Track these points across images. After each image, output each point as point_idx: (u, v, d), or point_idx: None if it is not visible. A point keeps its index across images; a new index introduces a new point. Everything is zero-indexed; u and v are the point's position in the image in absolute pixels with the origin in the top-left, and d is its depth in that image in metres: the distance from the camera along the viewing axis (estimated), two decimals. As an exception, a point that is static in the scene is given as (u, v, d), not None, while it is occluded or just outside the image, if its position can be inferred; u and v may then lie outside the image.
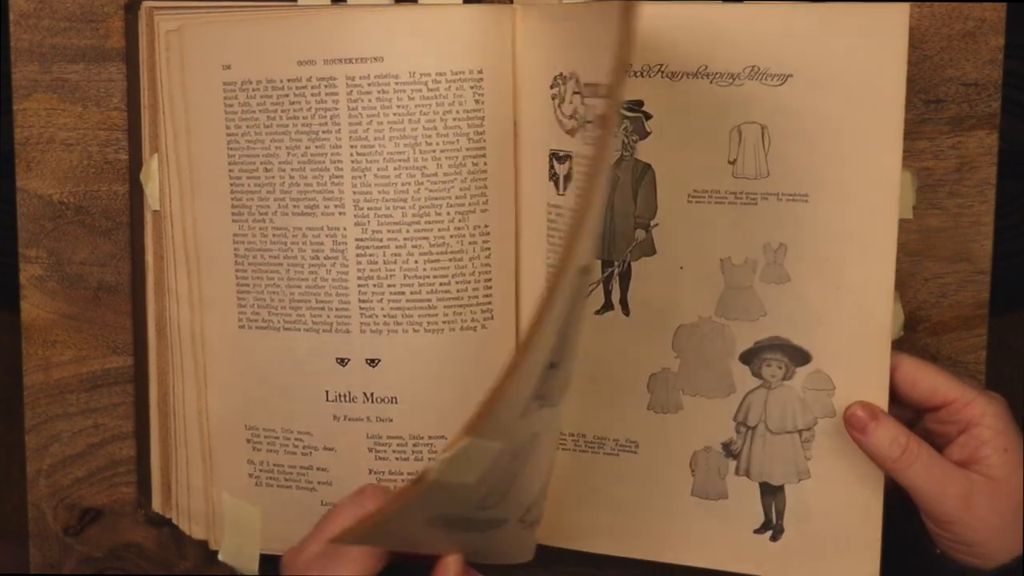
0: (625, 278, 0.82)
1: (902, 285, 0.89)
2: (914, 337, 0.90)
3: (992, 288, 0.90)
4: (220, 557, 0.86)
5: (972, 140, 0.88)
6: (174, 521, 0.86)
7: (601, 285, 0.82)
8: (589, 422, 0.83)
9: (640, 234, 0.82)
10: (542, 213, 0.82)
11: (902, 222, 0.88)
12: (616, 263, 0.82)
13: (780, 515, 0.81)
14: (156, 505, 0.87)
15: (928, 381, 0.79)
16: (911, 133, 0.88)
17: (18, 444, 0.89)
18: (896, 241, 0.79)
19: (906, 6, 0.77)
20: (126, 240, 0.87)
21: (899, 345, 0.89)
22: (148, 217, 0.85)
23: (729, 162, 0.79)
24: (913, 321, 0.90)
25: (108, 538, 0.90)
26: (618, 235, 0.81)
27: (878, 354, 0.79)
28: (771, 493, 0.82)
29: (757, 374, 0.81)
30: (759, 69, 0.78)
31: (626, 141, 0.81)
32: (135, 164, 0.86)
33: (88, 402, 0.88)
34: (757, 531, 0.82)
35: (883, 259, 0.79)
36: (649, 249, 0.81)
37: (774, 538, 0.82)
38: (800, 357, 0.80)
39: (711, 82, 0.79)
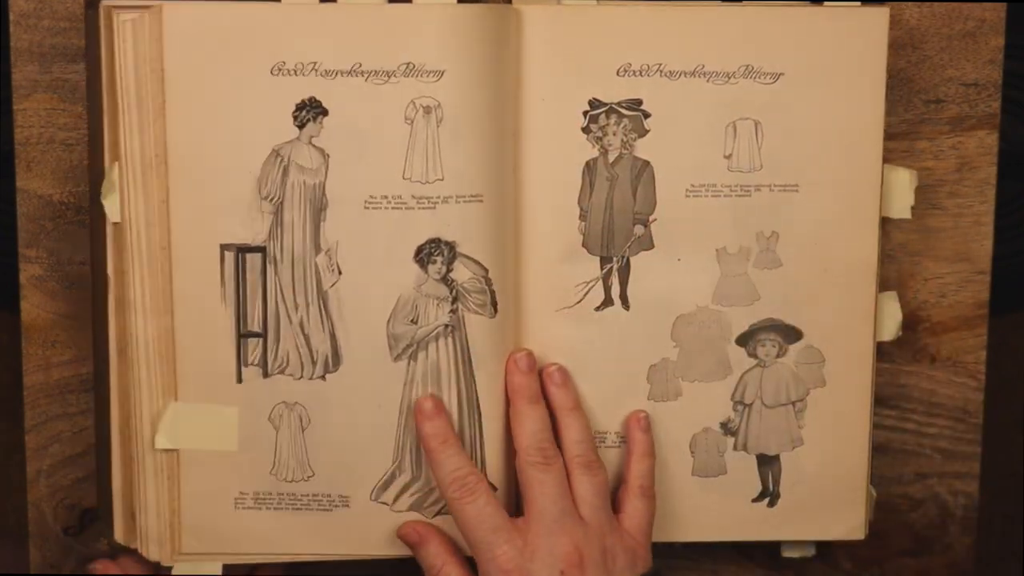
0: (624, 273, 0.84)
1: (902, 285, 0.89)
2: (914, 337, 0.90)
3: (992, 288, 0.90)
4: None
5: (972, 140, 0.88)
6: (139, 550, 0.83)
7: (601, 281, 0.84)
8: (589, 418, 0.84)
9: (639, 230, 0.83)
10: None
11: (902, 222, 0.88)
12: (615, 259, 0.84)
13: (776, 482, 0.86)
14: (119, 535, 0.84)
15: None
16: (911, 133, 0.88)
17: (18, 444, 0.89)
18: (878, 224, 0.84)
19: (886, 10, 0.82)
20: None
21: (899, 345, 0.90)
22: (108, 230, 0.81)
23: (725, 157, 0.83)
24: (913, 321, 0.90)
25: (108, 538, 0.90)
26: (617, 232, 0.83)
27: (863, 325, 0.85)
28: (768, 463, 0.86)
29: (752, 354, 0.85)
30: (752, 68, 0.83)
31: (625, 139, 0.83)
32: (96, 175, 0.82)
33: (88, 402, 0.88)
34: (755, 500, 0.87)
35: (867, 240, 0.84)
36: (647, 243, 0.84)
37: (771, 504, 0.87)
38: (792, 335, 0.85)
39: (707, 80, 0.82)
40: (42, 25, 0.85)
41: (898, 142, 0.88)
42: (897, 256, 0.89)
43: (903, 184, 0.86)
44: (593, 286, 0.84)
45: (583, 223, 0.83)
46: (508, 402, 0.83)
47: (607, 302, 0.84)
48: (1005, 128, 0.90)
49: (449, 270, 0.81)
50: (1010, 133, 0.98)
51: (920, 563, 0.93)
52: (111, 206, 0.80)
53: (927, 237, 0.89)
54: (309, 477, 0.83)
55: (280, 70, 0.79)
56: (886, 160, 0.85)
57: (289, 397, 0.82)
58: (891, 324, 0.87)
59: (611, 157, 0.83)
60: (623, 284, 0.84)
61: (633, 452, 0.84)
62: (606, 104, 0.82)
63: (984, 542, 0.96)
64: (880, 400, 0.90)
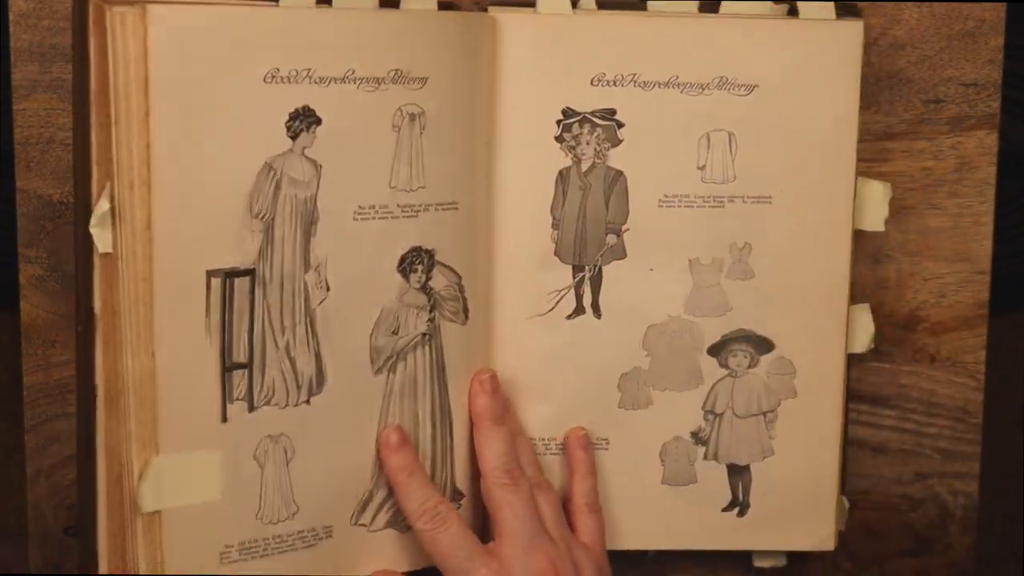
0: (596, 282, 0.84)
1: (902, 285, 0.89)
2: (914, 337, 0.90)
3: (992, 288, 0.90)
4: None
5: (972, 140, 0.88)
6: None
7: (572, 290, 0.84)
8: (560, 426, 0.85)
9: (612, 239, 0.84)
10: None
11: (901, 222, 0.88)
12: (587, 268, 0.84)
13: (747, 492, 0.87)
14: None
15: None
16: (911, 133, 0.88)
17: (18, 444, 0.89)
18: (851, 235, 0.84)
19: (860, 24, 0.82)
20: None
21: (899, 345, 0.90)
22: (96, 262, 0.74)
23: (698, 167, 0.84)
24: (913, 321, 0.90)
25: (108, 538, 0.90)
26: (589, 241, 0.84)
27: (835, 337, 0.85)
28: (738, 473, 0.87)
29: (724, 365, 0.86)
30: (727, 79, 0.83)
31: (598, 149, 0.83)
32: (83, 200, 0.74)
33: (88, 402, 0.88)
34: (725, 509, 0.87)
35: (839, 252, 0.85)
36: (620, 253, 0.84)
37: (741, 513, 0.87)
38: (764, 346, 0.86)
39: (681, 91, 0.83)
40: (42, 25, 0.85)
41: (898, 142, 0.88)
42: (897, 256, 0.89)
43: (877, 196, 0.86)
44: (565, 294, 0.84)
45: (556, 232, 0.83)
46: (472, 421, 0.83)
47: (579, 310, 0.84)
48: (1005, 128, 0.90)
49: (428, 278, 0.80)
50: (1010, 133, 0.98)
51: (920, 563, 0.93)
52: (102, 234, 0.73)
53: (927, 237, 0.89)
54: (294, 514, 0.79)
55: (274, 77, 0.74)
56: (886, 160, 0.85)
57: (274, 429, 0.77)
58: (863, 336, 0.87)
59: (584, 166, 0.83)
60: (595, 293, 0.84)
61: (576, 471, 0.84)
62: (580, 113, 0.82)
63: (984, 542, 0.96)
64: (880, 400, 0.90)
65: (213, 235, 0.74)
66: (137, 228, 0.72)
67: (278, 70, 0.74)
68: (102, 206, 0.73)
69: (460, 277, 0.81)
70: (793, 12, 0.83)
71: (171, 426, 0.74)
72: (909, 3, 0.87)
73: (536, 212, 0.83)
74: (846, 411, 0.87)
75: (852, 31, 0.82)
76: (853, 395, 0.90)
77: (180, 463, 0.74)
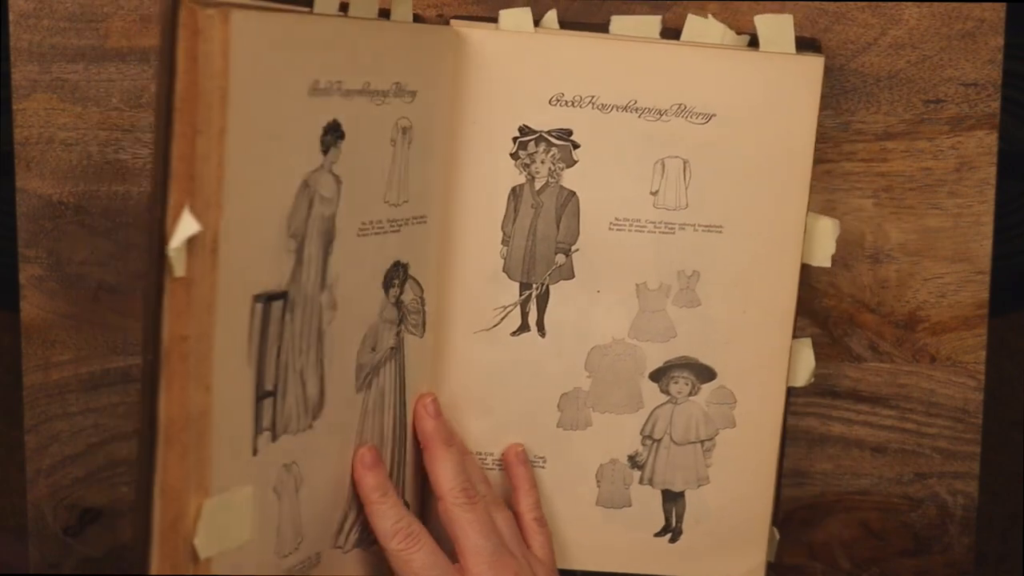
0: (543, 300, 0.84)
1: (902, 285, 0.89)
2: (914, 337, 0.90)
3: (992, 288, 0.90)
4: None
5: (972, 140, 0.88)
6: None
7: (518, 307, 0.84)
8: (498, 441, 0.85)
9: (560, 259, 0.84)
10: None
11: (902, 222, 0.88)
12: (535, 286, 0.84)
13: (680, 518, 0.87)
14: None
15: None
16: (911, 133, 0.88)
17: (18, 444, 0.89)
18: (799, 270, 0.84)
19: (820, 59, 0.82)
20: (125, 240, 0.87)
21: (899, 345, 0.90)
22: (168, 287, 0.65)
23: (651, 193, 0.84)
24: (913, 321, 0.90)
25: (108, 538, 0.90)
26: (538, 259, 0.84)
27: (777, 370, 0.85)
28: (672, 499, 0.87)
29: (665, 391, 0.86)
30: (685, 107, 0.83)
31: (552, 168, 0.83)
32: (158, 219, 0.65)
33: (88, 402, 0.88)
34: (658, 534, 0.87)
35: (786, 285, 0.84)
36: (568, 273, 0.84)
37: (673, 540, 0.87)
38: (706, 374, 0.86)
39: (639, 116, 0.83)
40: (42, 25, 0.85)
41: (898, 142, 0.88)
42: (897, 256, 0.89)
43: (825, 232, 0.85)
44: (511, 311, 0.84)
45: (505, 248, 0.83)
46: (419, 445, 0.82)
47: (523, 328, 0.84)
48: (1005, 128, 0.90)
49: (401, 292, 0.80)
50: (1010, 133, 0.98)
51: (920, 563, 0.93)
52: (178, 257, 0.65)
53: (927, 237, 0.89)
54: (299, 544, 0.75)
55: (315, 90, 0.70)
56: (886, 160, 0.85)
57: (288, 457, 0.73)
58: (804, 371, 0.87)
59: (537, 185, 0.83)
60: (541, 311, 0.84)
61: (520, 487, 0.84)
62: (536, 132, 0.82)
63: (984, 542, 0.96)
64: (880, 400, 0.90)
65: (260, 257, 0.69)
66: (206, 251, 0.66)
67: (318, 82, 0.70)
68: (188, 227, 0.65)
69: (423, 290, 0.81)
70: (754, 43, 0.83)
71: (218, 463, 0.68)
72: (909, 3, 0.87)
73: (487, 227, 0.83)
74: (783, 443, 0.87)
75: (812, 66, 0.82)
76: (853, 395, 0.90)
77: (224, 503, 0.68)
